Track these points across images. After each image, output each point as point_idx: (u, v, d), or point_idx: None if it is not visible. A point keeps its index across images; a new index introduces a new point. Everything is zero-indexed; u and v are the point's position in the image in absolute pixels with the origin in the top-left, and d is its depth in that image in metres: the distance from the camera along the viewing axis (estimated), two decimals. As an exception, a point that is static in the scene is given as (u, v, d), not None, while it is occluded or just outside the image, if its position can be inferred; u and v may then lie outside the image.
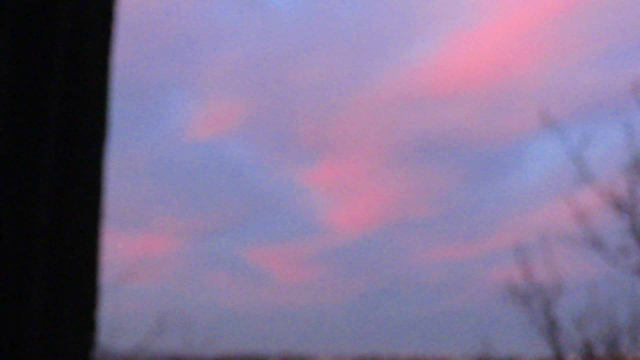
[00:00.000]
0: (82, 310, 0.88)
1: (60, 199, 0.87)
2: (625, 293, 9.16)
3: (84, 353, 0.88)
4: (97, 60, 0.95)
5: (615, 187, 9.04)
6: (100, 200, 0.92)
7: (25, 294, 0.81)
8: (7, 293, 0.80)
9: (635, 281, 9.00)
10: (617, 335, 9.44)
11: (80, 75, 0.91)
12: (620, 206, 9.02)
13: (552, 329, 9.70)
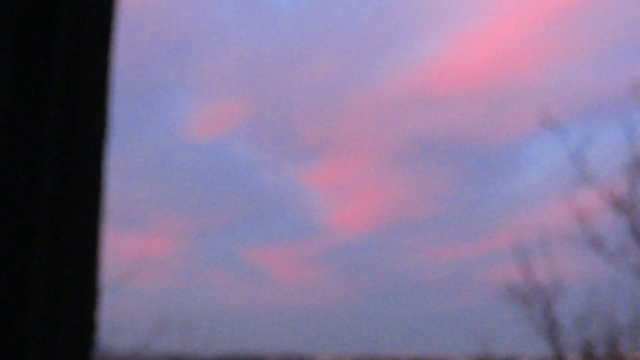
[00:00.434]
0: (82, 310, 0.88)
1: (61, 199, 0.87)
2: (625, 293, 9.16)
3: (84, 353, 0.88)
4: (97, 60, 0.95)
5: (616, 187, 9.05)
6: (101, 200, 0.92)
7: (25, 293, 0.81)
8: (7, 293, 0.80)
9: (636, 281, 9.00)
10: (617, 336, 9.44)
11: (80, 75, 0.91)
12: (620, 206, 9.02)
13: (552, 329, 9.71)
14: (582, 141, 9.27)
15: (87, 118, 0.92)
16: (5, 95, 0.85)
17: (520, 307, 9.85)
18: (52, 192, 0.86)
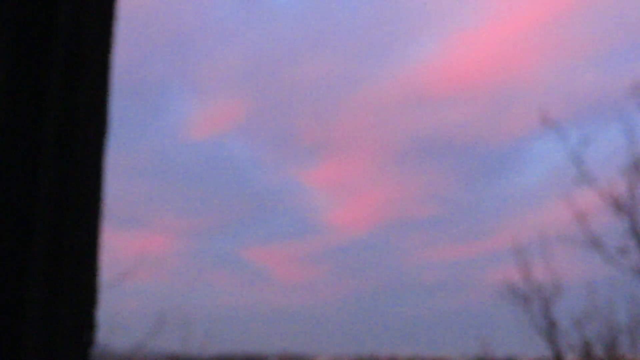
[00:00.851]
0: (81, 308, 0.88)
1: (60, 198, 0.87)
2: (624, 294, 9.16)
3: (83, 351, 0.88)
4: (97, 59, 0.95)
5: (615, 187, 9.05)
6: (100, 198, 0.92)
7: (24, 292, 0.81)
8: (6, 291, 0.81)
9: (635, 282, 9.00)
10: (616, 336, 9.44)
11: (80, 74, 0.92)
12: (619, 207, 9.03)
13: (551, 329, 9.71)
14: (581, 141, 9.28)
15: (86, 117, 0.92)
16: (4, 94, 0.85)
17: (519, 307, 9.86)
18: (52, 191, 0.86)
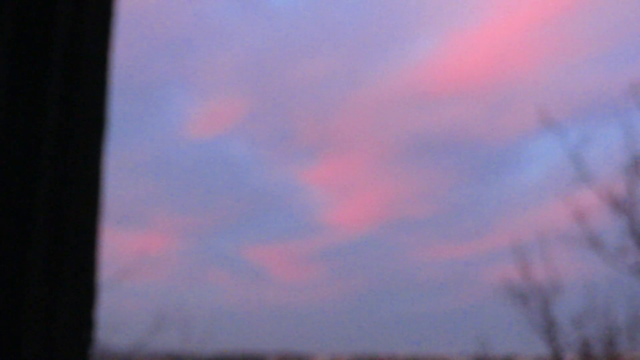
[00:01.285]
0: (81, 307, 0.88)
1: (59, 197, 0.87)
2: (623, 293, 9.16)
3: (83, 351, 0.88)
4: (96, 58, 0.95)
5: (614, 187, 9.05)
6: (99, 198, 0.92)
7: (24, 291, 0.81)
8: (5, 291, 0.81)
9: (633, 281, 9.00)
10: (615, 335, 9.44)
11: (79, 73, 0.91)
12: (618, 206, 9.03)
13: (550, 328, 9.71)
14: (580, 141, 9.28)
15: (86, 116, 0.92)
16: (4, 93, 0.85)
17: (518, 307, 9.86)
18: (51, 190, 0.86)
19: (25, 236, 0.82)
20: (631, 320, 9.33)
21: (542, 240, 9.88)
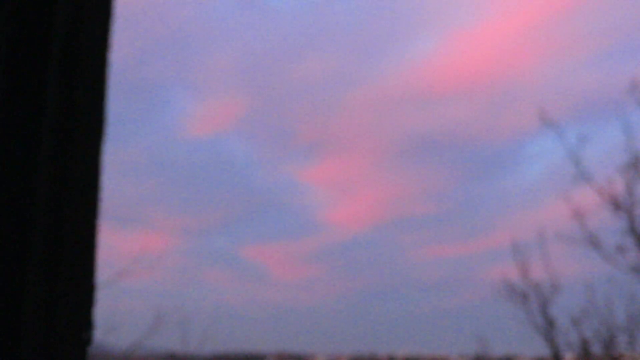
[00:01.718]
0: (79, 307, 0.88)
1: (57, 196, 0.87)
2: (622, 292, 9.17)
3: (81, 350, 0.87)
4: (94, 58, 0.95)
5: (613, 186, 9.06)
6: (97, 197, 0.92)
7: (22, 291, 0.81)
8: (3, 290, 0.80)
9: (633, 280, 9.01)
10: (614, 334, 9.45)
11: (77, 73, 0.91)
12: (617, 205, 9.03)
13: (549, 327, 9.72)
14: (580, 140, 9.28)
15: (84, 115, 0.92)
16: (2, 93, 0.85)
17: (517, 306, 9.86)
18: (49, 189, 0.86)
19: (24, 236, 0.82)
20: (630, 320, 9.34)
21: (541, 239, 9.88)
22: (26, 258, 0.82)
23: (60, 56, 0.90)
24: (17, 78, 0.86)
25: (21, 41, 0.87)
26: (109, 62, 0.97)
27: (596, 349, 9.49)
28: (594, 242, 9.08)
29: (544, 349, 9.82)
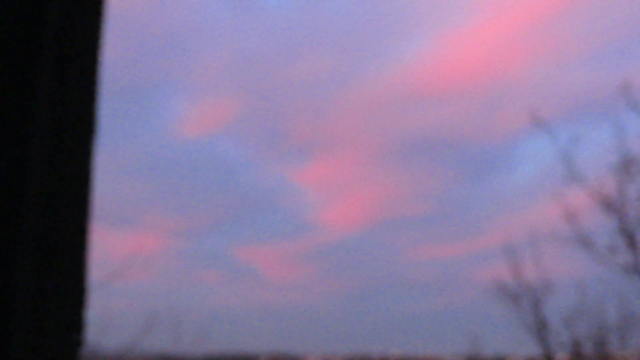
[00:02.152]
0: (70, 308, 0.88)
1: (49, 196, 0.86)
2: (614, 292, 9.21)
3: (72, 352, 0.87)
4: (86, 58, 0.94)
5: (605, 186, 9.09)
6: (89, 198, 0.92)
7: (13, 291, 0.80)
8: (-6, 291, 0.80)
9: (624, 280, 9.05)
10: (606, 334, 9.49)
11: (69, 73, 0.91)
12: (609, 206, 9.07)
13: (541, 327, 9.75)
14: (571, 141, 9.32)
15: (75, 115, 0.91)
16: (-7, 93, 0.85)
17: (509, 306, 9.89)
18: (40, 190, 0.86)
19: (15, 236, 0.82)
20: (622, 320, 9.37)
21: (533, 239, 9.92)
22: (17, 258, 0.81)
23: (52, 56, 0.89)
24: (8, 77, 0.86)
25: (13, 41, 0.87)
26: (101, 63, 0.97)
27: (588, 348, 9.53)
28: (585, 242, 9.12)
29: (536, 349, 9.85)
